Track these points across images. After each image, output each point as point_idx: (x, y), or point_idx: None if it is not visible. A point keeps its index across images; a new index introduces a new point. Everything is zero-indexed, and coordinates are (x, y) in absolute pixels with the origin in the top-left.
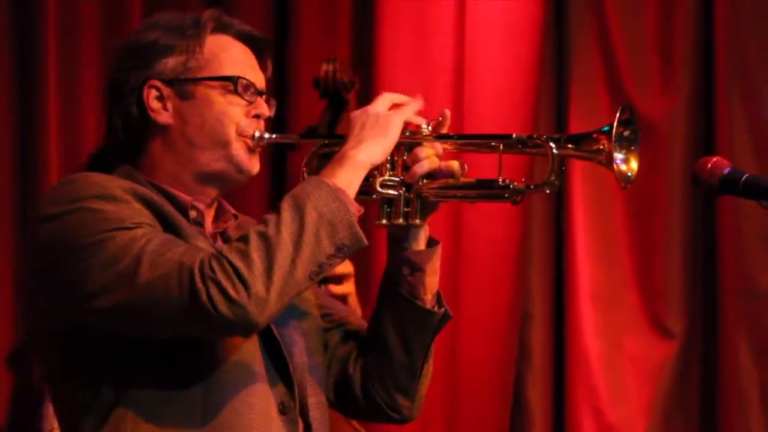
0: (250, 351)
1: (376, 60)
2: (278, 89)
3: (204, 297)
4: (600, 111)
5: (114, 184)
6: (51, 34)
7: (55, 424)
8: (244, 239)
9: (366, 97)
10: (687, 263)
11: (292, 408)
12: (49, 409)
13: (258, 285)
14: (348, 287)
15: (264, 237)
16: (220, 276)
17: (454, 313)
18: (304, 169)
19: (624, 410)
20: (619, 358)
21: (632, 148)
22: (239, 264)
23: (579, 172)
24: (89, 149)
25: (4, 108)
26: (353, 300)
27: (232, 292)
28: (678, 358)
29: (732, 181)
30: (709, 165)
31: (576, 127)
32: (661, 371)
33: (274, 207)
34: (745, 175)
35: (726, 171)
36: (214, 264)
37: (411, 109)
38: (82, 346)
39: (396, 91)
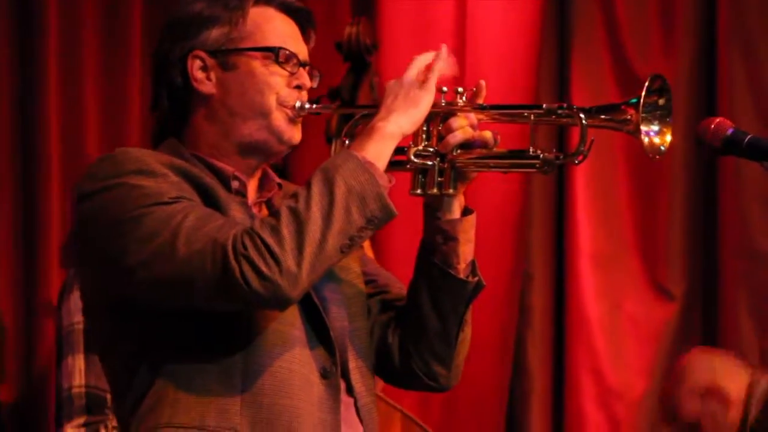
0: (288, 317)
1: (378, 28)
2: None
3: (237, 274)
4: (602, 74)
5: (152, 158)
6: (52, 28)
7: (74, 382)
8: (275, 215)
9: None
10: (687, 225)
11: (334, 372)
12: (68, 368)
13: (289, 260)
14: None
15: (294, 212)
16: (252, 253)
17: None
18: (345, 138)
19: (624, 372)
20: (620, 320)
21: (667, 119)
22: (270, 240)
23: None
24: (91, 140)
25: (5, 101)
26: None
27: (264, 269)
28: (678, 320)
29: (735, 142)
30: (713, 126)
31: (578, 90)
32: (661, 333)
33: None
34: (749, 136)
35: (729, 132)
36: (247, 240)
37: (437, 72)
38: (126, 318)
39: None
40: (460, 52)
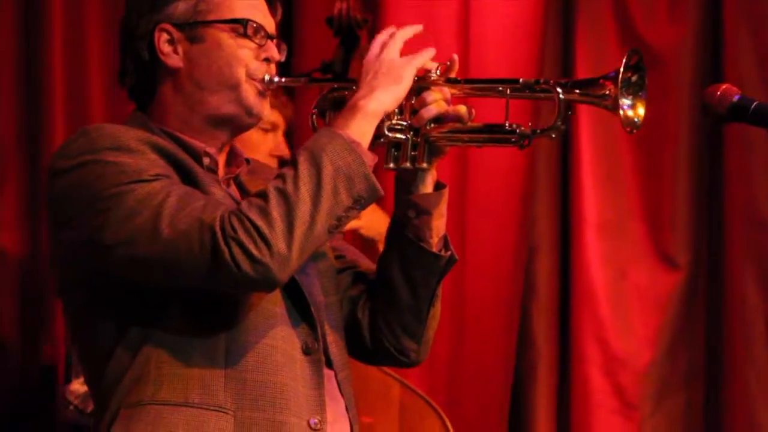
0: (270, 294)
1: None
2: (285, 29)
3: (227, 256)
4: (607, 42)
5: (128, 134)
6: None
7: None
8: (263, 196)
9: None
10: (693, 194)
11: (316, 348)
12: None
13: (280, 243)
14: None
15: (283, 193)
16: (242, 235)
17: (460, 247)
18: (314, 111)
19: (629, 341)
20: (625, 290)
21: (640, 93)
22: (260, 222)
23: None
24: (95, 108)
25: (10, 72)
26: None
27: (254, 251)
28: (684, 289)
29: (741, 109)
30: (719, 92)
31: (583, 59)
32: (667, 302)
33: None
34: (755, 103)
35: (735, 98)
36: (235, 222)
37: (423, 58)
38: (106, 292)
39: (402, 51)
40: (464, 24)
